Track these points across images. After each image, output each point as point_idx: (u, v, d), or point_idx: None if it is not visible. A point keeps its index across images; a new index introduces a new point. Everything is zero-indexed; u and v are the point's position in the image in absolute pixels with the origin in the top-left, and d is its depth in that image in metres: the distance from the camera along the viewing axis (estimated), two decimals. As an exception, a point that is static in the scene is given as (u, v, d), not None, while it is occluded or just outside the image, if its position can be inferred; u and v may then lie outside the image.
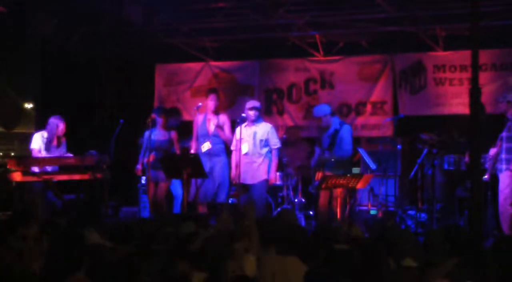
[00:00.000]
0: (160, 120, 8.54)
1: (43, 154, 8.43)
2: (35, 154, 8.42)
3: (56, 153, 8.50)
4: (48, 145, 8.43)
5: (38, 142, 8.45)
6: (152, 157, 8.39)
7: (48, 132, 8.47)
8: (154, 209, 8.59)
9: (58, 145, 8.57)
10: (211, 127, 8.41)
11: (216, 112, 8.46)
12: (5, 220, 5.33)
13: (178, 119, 10.06)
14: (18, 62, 10.75)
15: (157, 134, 8.55)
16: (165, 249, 4.02)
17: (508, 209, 7.31)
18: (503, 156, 7.41)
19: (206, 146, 8.37)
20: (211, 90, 8.74)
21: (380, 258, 3.59)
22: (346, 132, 8.01)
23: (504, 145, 7.41)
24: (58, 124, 8.47)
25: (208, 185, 8.29)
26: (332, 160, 7.94)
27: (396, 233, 4.13)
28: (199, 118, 8.53)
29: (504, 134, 7.46)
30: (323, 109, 8.23)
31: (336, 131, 7.99)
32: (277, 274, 3.78)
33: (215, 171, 8.32)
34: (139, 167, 8.71)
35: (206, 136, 8.41)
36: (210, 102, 8.44)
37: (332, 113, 8.18)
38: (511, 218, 7.32)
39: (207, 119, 8.46)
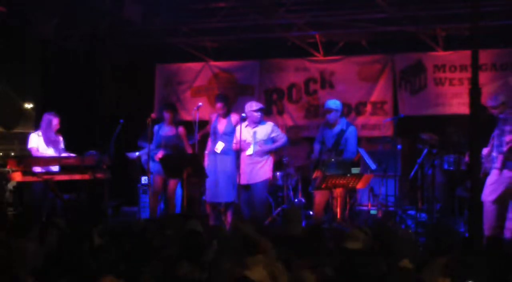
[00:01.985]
0: (167, 115, 8.63)
1: (47, 152, 8.45)
2: (34, 152, 8.44)
3: (56, 150, 8.52)
4: (48, 142, 8.46)
5: (35, 140, 8.47)
6: (161, 153, 8.44)
7: (44, 129, 8.50)
8: (154, 203, 8.64)
9: (56, 142, 8.59)
10: (220, 127, 8.45)
11: (226, 115, 8.49)
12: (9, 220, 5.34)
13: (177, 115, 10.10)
14: (18, 62, 10.75)
15: (165, 130, 8.64)
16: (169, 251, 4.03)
17: (489, 205, 7.24)
18: (494, 154, 7.42)
19: (220, 147, 8.40)
20: (218, 98, 8.66)
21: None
22: (352, 134, 7.95)
23: (495, 143, 7.42)
24: (51, 119, 8.51)
25: (214, 184, 8.31)
26: (333, 160, 7.93)
27: (394, 234, 4.13)
28: (212, 118, 8.61)
29: (495, 133, 7.48)
30: (337, 103, 8.12)
31: (342, 131, 7.94)
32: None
33: (222, 170, 8.33)
34: (132, 155, 8.85)
35: (216, 135, 8.45)
36: (219, 111, 8.51)
37: (342, 113, 8.15)
38: (491, 216, 7.25)
39: (218, 120, 8.52)
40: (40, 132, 8.53)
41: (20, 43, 10.43)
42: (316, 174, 7.96)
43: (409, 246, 4.05)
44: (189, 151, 8.63)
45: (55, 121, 8.52)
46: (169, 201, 8.69)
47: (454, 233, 4.43)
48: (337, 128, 7.98)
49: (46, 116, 8.57)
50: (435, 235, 4.29)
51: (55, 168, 8.42)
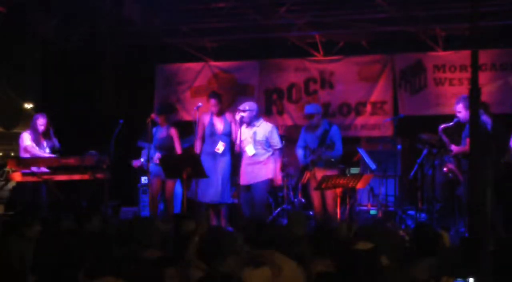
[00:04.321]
0: (158, 118, 8.57)
1: (36, 149, 8.48)
2: (31, 149, 8.44)
3: (44, 150, 8.55)
4: (37, 142, 8.49)
5: (28, 138, 8.50)
6: (157, 156, 8.43)
7: (31, 129, 8.54)
8: (153, 206, 8.62)
9: (46, 142, 8.61)
10: (219, 127, 8.43)
11: (220, 113, 8.48)
12: (7, 220, 5.35)
13: (174, 115, 10.06)
14: (18, 62, 10.74)
15: (159, 132, 8.60)
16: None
17: None
18: None
19: (221, 147, 8.37)
20: (212, 95, 8.66)
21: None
22: (336, 133, 8.10)
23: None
24: (37, 118, 8.54)
25: (211, 185, 8.30)
26: (323, 157, 7.99)
27: (377, 231, 4.13)
28: (206, 118, 8.54)
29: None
30: (316, 107, 8.41)
31: (326, 131, 8.06)
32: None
33: (218, 171, 8.32)
34: (136, 163, 8.83)
35: (215, 136, 8.41)
36: (212, 108, 8.48)
37: (323, 115, 8.29)
38: None
39: (214, 120, 8.49)
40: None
41: (20, 43, 10.43)
42: (306, 176, 8.03)
43: (393, 245, 4.05)
44: (179, 152, 8.58)
45: (41, 121, 8.54)
46: (168, 203, 8.63)
47: (437, 234, 4.43)
48: (320, 130, 8.13)
49: (35, 115, 8.69)
50: (419, 236, 4.30)
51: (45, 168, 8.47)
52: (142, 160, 9.27)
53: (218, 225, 7.92)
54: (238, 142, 8.24)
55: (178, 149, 8.56)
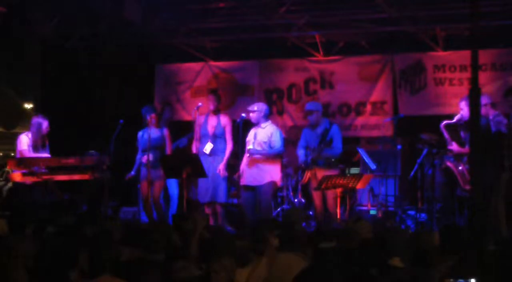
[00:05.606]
0: (149, 118, 8.51)
1: (32, 154, 8.46)
2: (27, 154, 8.41)
3: (43, 154, 8.51)
4: (35, 145, 8.44)
5: (26, 142, 8.45)
6: (148, 157, 8.36)
7: (33, 133, 8.46)
8: (147, 209, 8.58)
9: (43, 145, 8.56)
10: (210, 128, 8.43)
11: (216, 112, 8.48)
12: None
13: (169, 112, 10.03)
14: (18, 62, 10.75)
15: (152, 132, 8.49)
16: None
17: None
18: None
19: (208, 147, 8.38)
20: (211, 91, 8.77)
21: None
22: (336, 132, 8.12)
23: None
24: (41, 123, 8.48)
25: (206, 185, 8.30)
26: (322, 155, 8.00)
27: (389, 232, 4.13)
28: (201, 119, 8.55)
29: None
30: (316, 104, 8.46)
31: (326, 130, 8.09)
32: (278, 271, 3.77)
33: (213, 171, 8.32)
34: (132, 173, 8.64)
35: (207, 137, 8.43)
36: (209, 103, 8.50)
37: (323, 114, 8.31)
38: None
39: (208, 120, 8.49)
40: (29, 134, 8.49)
41: (20, 43, 10.43)
42: (307, 175, 8.04)
43: (401, 246, 4.06)
44: (169, 152, 8.51)
45: (45, 124, 8.47)
46: (155, 205, 8.48)
47: (465, 233, 4.43)
48: (320, 128, 8.17)
49: (35, 120, 8.51)
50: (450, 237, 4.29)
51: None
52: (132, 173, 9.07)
53: (217, 225, 7.93)
54: (231, 143, 8.27)
55: (169, 150, 8.51)
